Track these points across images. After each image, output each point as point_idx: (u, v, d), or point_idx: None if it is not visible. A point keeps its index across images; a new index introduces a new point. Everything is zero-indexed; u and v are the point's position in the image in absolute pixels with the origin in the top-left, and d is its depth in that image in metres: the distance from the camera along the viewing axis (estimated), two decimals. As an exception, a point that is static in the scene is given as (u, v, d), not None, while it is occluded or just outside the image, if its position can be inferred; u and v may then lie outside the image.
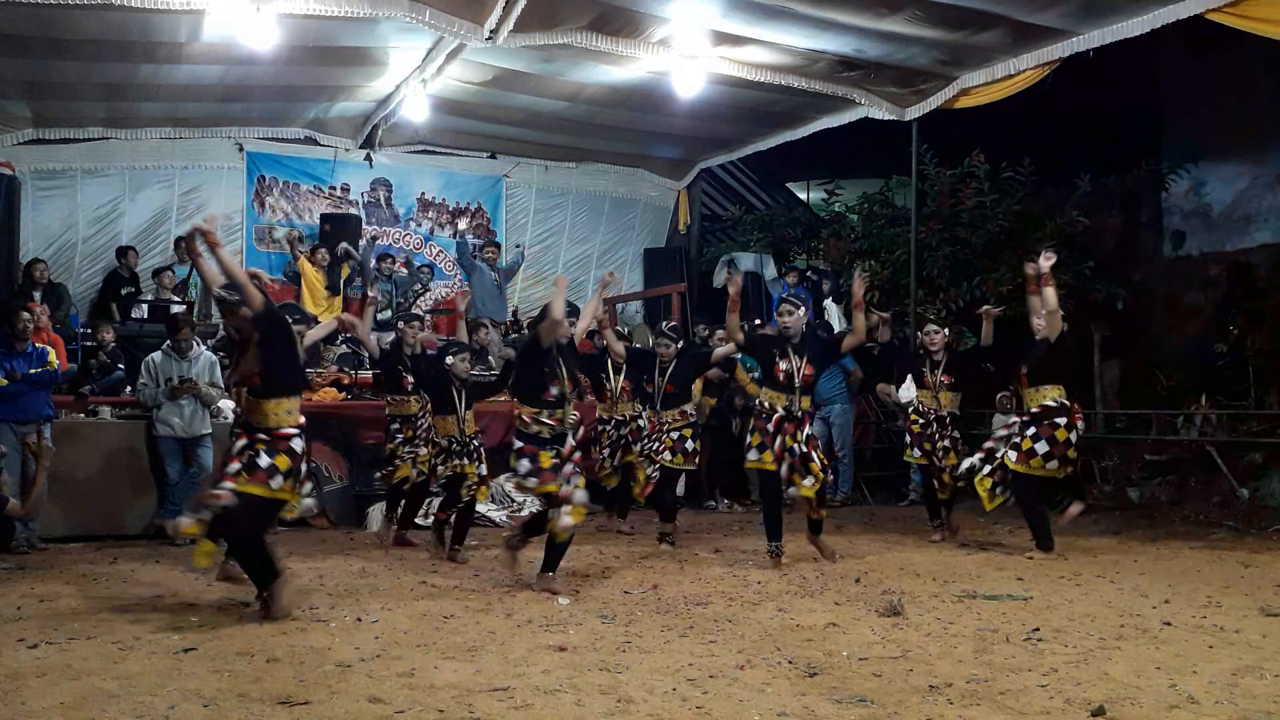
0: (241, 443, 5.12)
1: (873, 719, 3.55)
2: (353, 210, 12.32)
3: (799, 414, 6.52)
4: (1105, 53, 8.37)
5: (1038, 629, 4.79)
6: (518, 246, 12.69)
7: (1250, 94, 10.70)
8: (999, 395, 9.29)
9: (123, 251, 10.83)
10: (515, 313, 12.51)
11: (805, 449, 6.50)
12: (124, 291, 10.49)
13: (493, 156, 12.96)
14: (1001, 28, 8.38)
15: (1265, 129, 10.88)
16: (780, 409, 6.50)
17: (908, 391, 10.16)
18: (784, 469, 6.46)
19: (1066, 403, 6.86)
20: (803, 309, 6.81)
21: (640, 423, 7.87)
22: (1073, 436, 6.82)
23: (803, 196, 15.87)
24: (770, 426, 6.48)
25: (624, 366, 7.94)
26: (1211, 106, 11.34)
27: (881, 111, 10.14)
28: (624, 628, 4.88)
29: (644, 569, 6.55)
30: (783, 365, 6.53)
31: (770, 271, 12.77)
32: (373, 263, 11.59)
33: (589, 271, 13.24)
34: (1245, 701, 3.70)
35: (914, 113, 10.09)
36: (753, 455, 6.53)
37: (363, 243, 11.92)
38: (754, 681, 3.95)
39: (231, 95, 10.63)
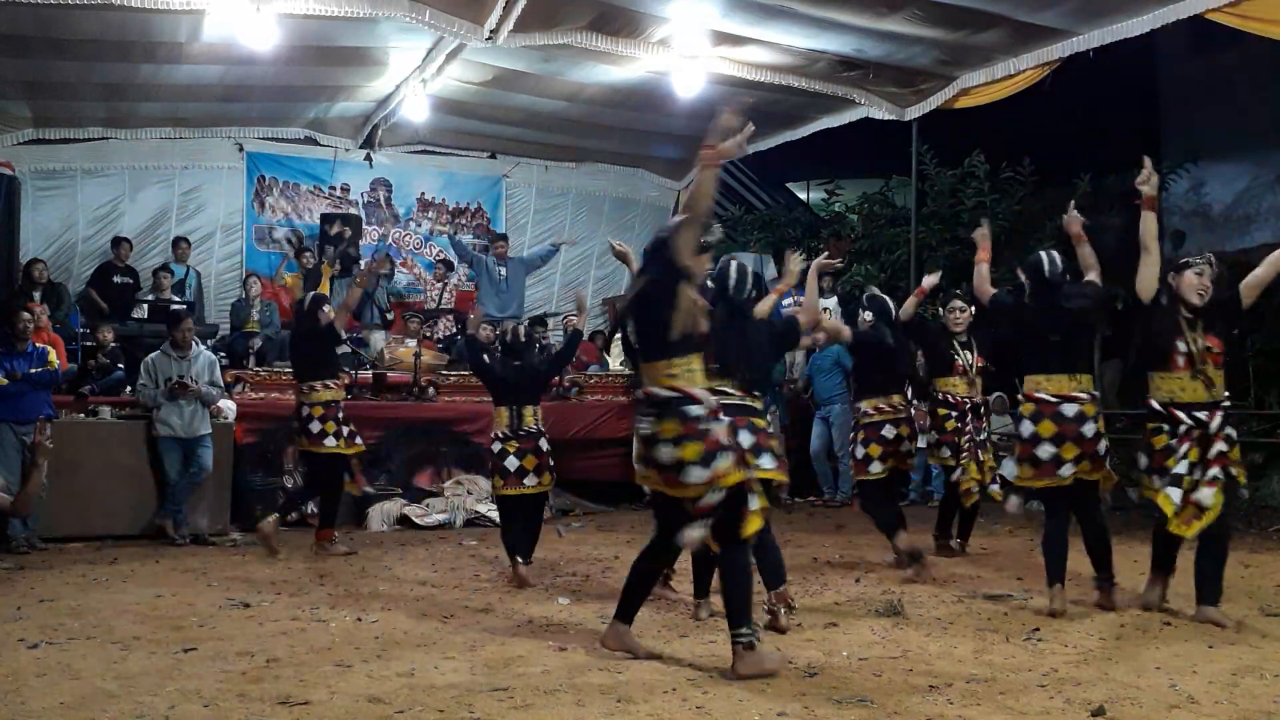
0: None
1: (873, 719, 3.55)
2: (353, 210, 12.32)
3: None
4: (1105, 53, 8.38)
5: (1038, 629, 4.79)
6: (552, 243, 12.21)
7: (1250, 94, 10.71)
8: (994, 396, 8.38)
9: (117, 242, 10.76)
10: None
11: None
12: (116, 280, 10.46)
13: (493, 156, 12.94)
14: (1001, 28, 8.38)
15: (1265, 129, 10.89)
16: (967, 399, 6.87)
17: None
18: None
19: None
20: (972, 308, 6.64)
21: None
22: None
23: (803, 196, 15.88)
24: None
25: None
26: (1211, 106, 11.37)
27: (881, 111, 10.14)
28: (624, 628, 4.87)
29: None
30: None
31: (770, 271, 12.75)
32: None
33: (589, 271, 13.24)
34: (1245, 701, 3.69)
35: (914, 113, 10.09)
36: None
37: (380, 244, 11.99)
38: (754, 681, 3.95)
39: (231, 95, 10.62)
